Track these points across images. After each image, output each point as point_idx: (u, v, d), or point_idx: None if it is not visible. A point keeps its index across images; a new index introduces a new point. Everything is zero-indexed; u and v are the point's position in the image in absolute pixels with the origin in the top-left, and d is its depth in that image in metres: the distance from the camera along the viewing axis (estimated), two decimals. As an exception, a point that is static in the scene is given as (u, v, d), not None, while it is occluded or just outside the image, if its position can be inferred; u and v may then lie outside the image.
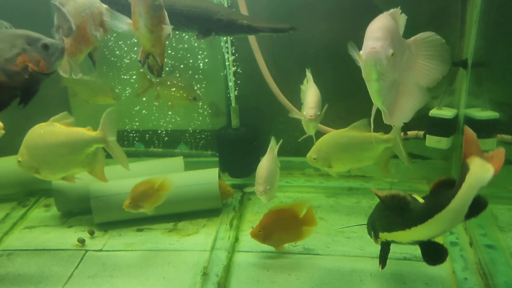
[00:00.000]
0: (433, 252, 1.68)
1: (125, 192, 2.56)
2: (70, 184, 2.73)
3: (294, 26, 2.36)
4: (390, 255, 2.20)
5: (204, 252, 2.39)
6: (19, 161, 2.30)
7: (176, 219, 2.71)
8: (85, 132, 2.29)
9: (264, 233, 2.24)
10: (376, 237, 1.96)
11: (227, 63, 2.91)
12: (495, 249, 2.25)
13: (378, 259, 1.94)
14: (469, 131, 1.48)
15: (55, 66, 1.56)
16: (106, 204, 2.60)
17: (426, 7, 2.63)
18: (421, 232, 1.63)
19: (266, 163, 2.26)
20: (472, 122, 2.56)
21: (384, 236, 1.89)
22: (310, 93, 2.33)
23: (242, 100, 3.01)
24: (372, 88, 1.57)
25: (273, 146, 2.35)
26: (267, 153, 2.31)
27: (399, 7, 1.67)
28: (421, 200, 1.82)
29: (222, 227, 2.61)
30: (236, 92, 2.97)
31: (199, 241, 2.49)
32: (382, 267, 1.88)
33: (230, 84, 2.95)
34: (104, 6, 1.86)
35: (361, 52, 1.53)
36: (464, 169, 1.46)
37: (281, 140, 2.38)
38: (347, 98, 2.80)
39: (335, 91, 2.76)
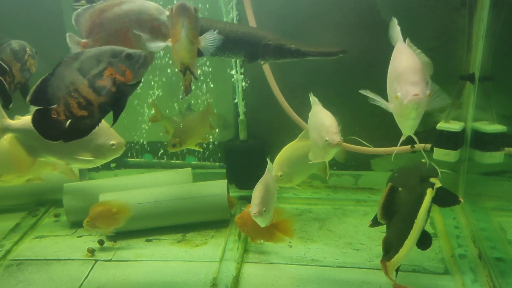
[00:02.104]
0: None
1: (134, 203, 2.60)
2: (80, 194, 2.78)
3: (345, 50, 2.24)
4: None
5: (213, 263, 2.40)
6: None
7: (185, 230, 2.72)
8: None
9: (241, 221, 2.40)
10: None
11: (235, 76, 2.95)
12: (504, 262, 2.25)
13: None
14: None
15: (140, 74, 1.56)
16: (115, 214, 2.62)
17: (433, 22, 2.67)
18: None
19: (263, 184, 2.07)
20: (480, 136, 2.58)
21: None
22: (326, 116, 2.18)
23: (250, 113, 3.05)
24: (409, 124, 1.66)
25: (270, 168, 2.20)
26: (264, 174, 2.14)
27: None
28: (437, 184, 2.00)
29: (230, 238, 2.63)
30: (244, 104, 3.00)
31: (208, 252, 2.50)
32: (370, 226, 2.14)
33: (238, 97, 2.98)
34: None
35: (398, 94, 1.59)
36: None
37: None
38: (357, 112, 2.82)
39: (345, 106, 2.79)
